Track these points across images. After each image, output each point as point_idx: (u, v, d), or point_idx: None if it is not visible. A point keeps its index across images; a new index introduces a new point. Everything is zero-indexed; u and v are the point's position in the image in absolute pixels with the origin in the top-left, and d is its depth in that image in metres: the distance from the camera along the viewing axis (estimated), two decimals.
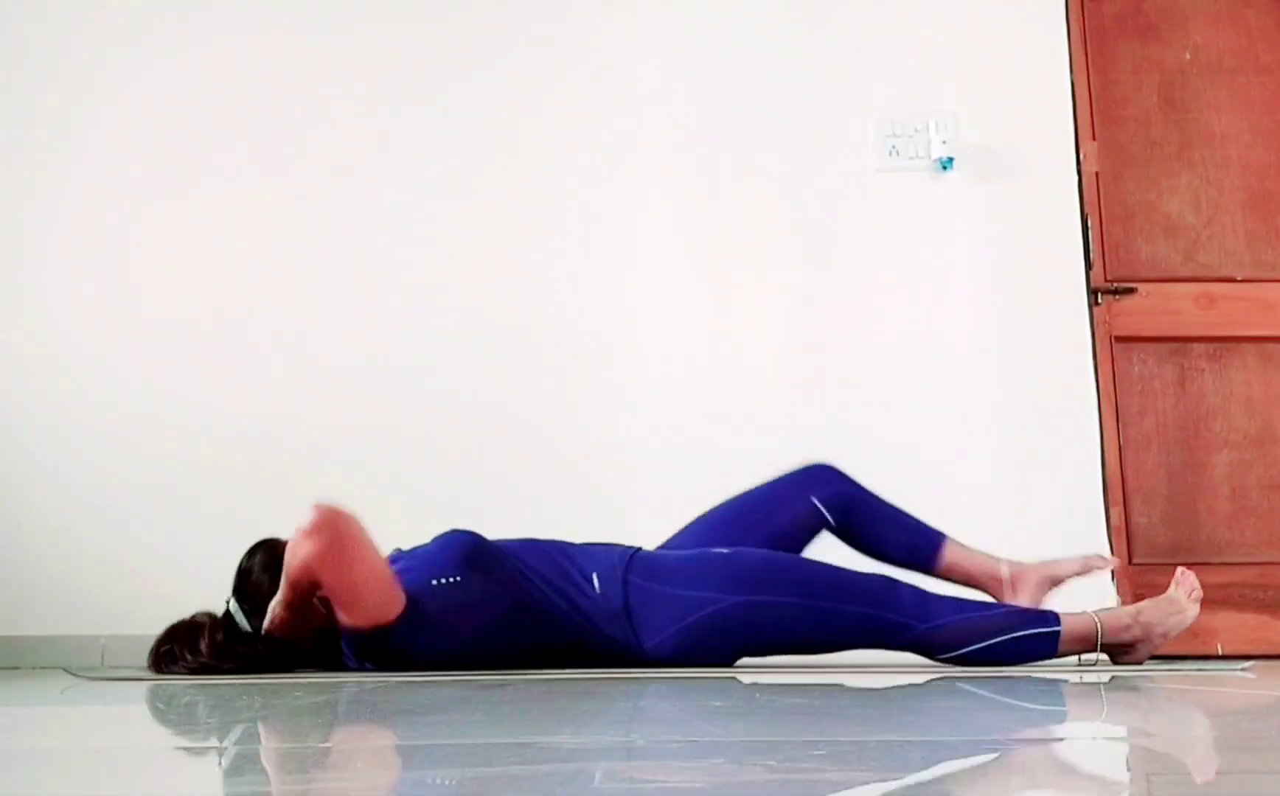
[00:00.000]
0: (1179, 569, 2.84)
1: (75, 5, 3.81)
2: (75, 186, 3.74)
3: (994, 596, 2.88)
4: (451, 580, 2.61)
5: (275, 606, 2.62)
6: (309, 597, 2.59)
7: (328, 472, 3.56)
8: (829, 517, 2.90)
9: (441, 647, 2.59)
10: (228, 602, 2.71)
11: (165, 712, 2.14)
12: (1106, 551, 3.64)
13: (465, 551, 2.66)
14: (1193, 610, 2.76)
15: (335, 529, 2.49)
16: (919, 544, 2.91)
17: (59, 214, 3.73)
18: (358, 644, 2.62)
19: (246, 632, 2.68)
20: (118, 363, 3.65)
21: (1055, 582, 2.89)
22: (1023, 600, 2.86)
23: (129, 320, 3.68)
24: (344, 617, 2.56)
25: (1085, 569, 2.91)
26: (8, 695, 2.48)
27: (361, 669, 2.67)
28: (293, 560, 2.51)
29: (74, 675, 2.85)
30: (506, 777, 1.24)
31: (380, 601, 2.54)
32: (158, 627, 2.81)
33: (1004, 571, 2.89)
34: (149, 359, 3.66)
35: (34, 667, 3.34)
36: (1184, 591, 2.77)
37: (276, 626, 2.64)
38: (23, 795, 1.22)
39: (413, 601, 2.57)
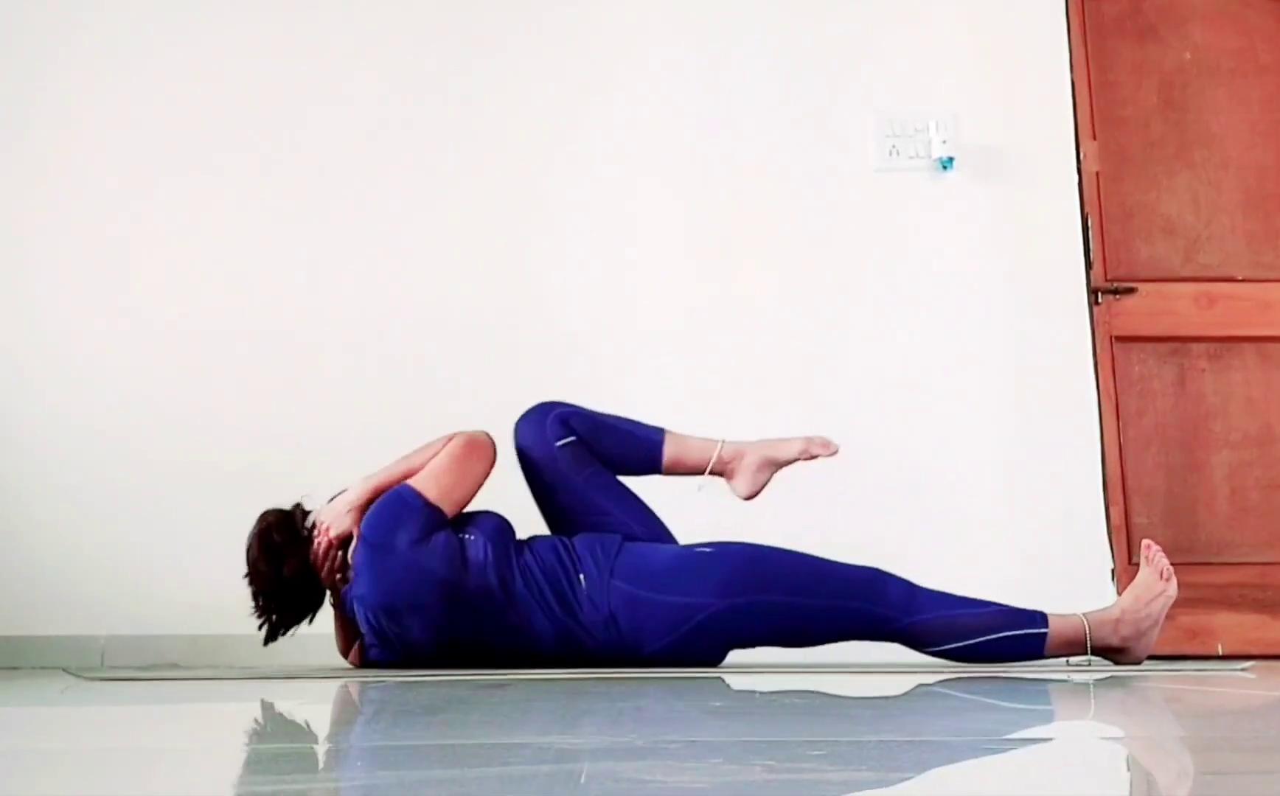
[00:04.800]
0: (1144, 543, 2.82)
1: (74, 3, 3.81)
2: (73, 187, 3.74)
3: (720, 476, 2.92)
4: (471, 537, 2.74)
5: (344, 499, 2.81)
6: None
7: (327, 472, 3.55)
8: (573, 438, 2.91)
9: (443, 591, 2.68)
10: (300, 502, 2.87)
11: (165, 712, 2.15)
12: (1106, 555, 3.64)
13: (494, 524, 2.79)
14: (1170, 588, 2.75)
15: (493, 448, 2.87)
16: (642, 452, 2.94)
17: (58, 214, 3.72)
18: (388, 527, 2.72)
19: (299, 533, 2.82)
20: (117, 363, 3.65)
21: (776, 464, 2.91)
22: (744, 481, 2.89)
23: (128, 321, 3.68)
24: (425, 476, 2.77)
25: (805, 452, 2.91)
26: (8, 695, 2.48)
27: (364, 607, 2.73)
28: (458, 433, 2.84)
29: (74, 675, 2.85)
30: (506, 777, 1.24)
31: (454, 494, 2.78)
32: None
33: (725, 453, 2.91)
34: (148, 359, 3.66)
35: (34, 667, 3.34)
36: (1154, 571, 2.76)
37: (330, 514, 2.80)
38: (23, 795, 1.22)
39: (448, 534, 2.74)
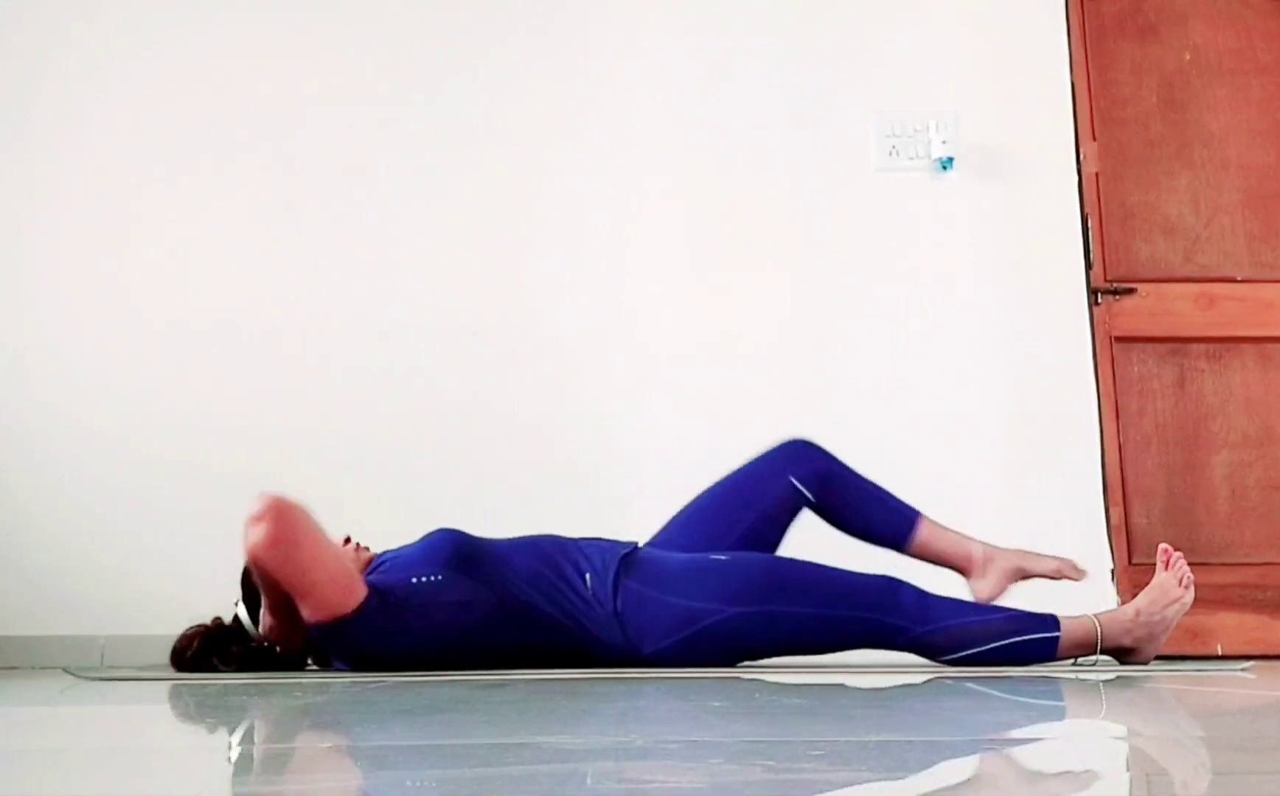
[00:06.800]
0: (1161, 547, 2.82)
1: (74, 3, 3.81)
2: (72, 186, 3.73)
3: (964, 574, 2.89)
4: (432, 578, 2.62)
5: (264, 613, 2.66)
6: (285, 599, 2.59)
7: (326, 473, 3.56)
8: (808, 495, 2.89)
9: (419, 646, 2.60)
10: (235, 607, 2.73)
11: (165, 712, 2.15)
12: (1106, 555, 3.64)
13: (447, 550, 2.67)
14: (1188, 596, 2.75)
15: (279, 515, 2.49)
16: (895, 523, 2.90)
17: (58, 214, 3.72)
18: (331, 646, 2.62)
19: (251, 636, 2.70)
20: (117, 363, 3.65)
21: (1025, 575, 2.88)
22: (989, 583, 2.86)
23: (128, 320, 3.68)
24: (303, 611, 2.56)
25: (1057, 573, 2.88)
26: (8, 695, 2.48)
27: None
28: (245, 551, 2.53)
29: (74, 675, 2.85)
30: (506, 777, 1.24)
31: (334, 589, 2.53)
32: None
33: (977, 553, 2.88)
34: (148, 359, 3.66)
35: (34, 667, 3.33)
36: (1174, 576, 2.76)
37: (269, 632, 2.67)
38: (23, 795, 1.22)
39: (381, 596, 2.58)
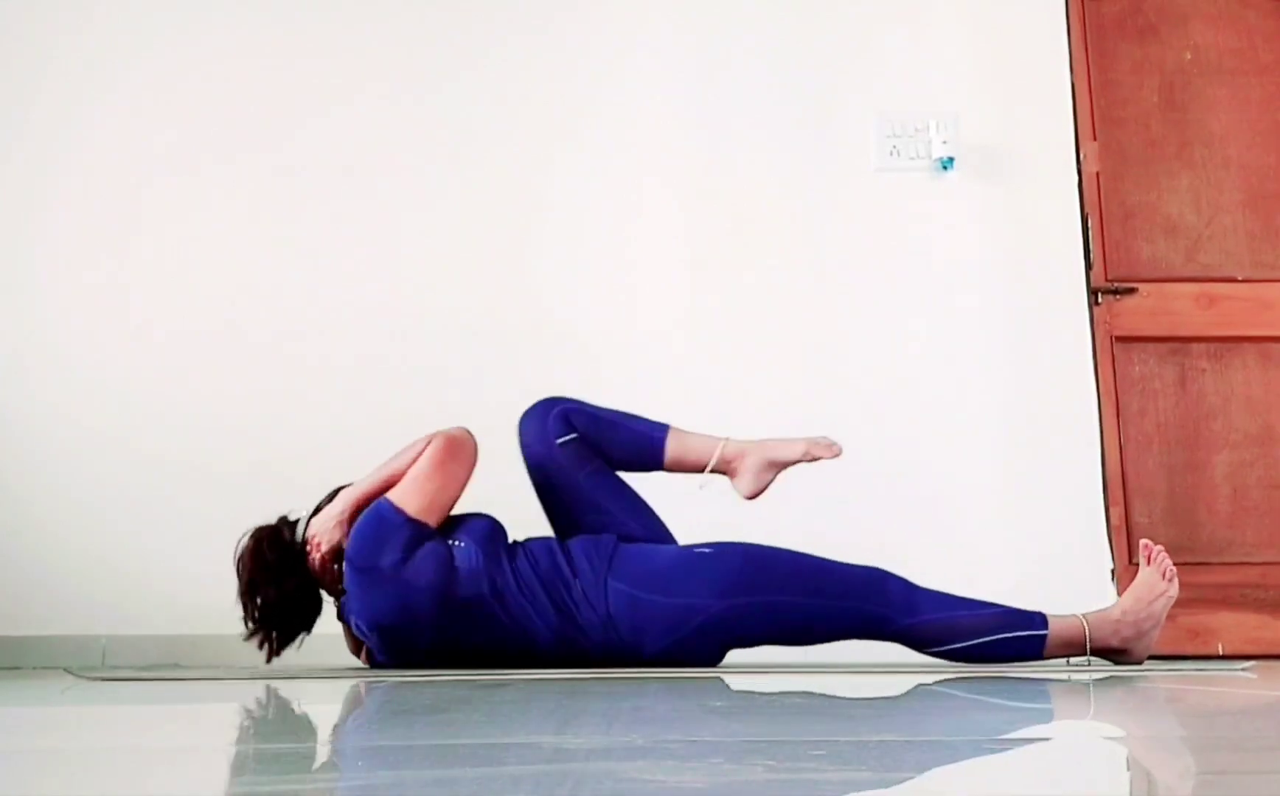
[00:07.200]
0: (1142, 543, 2.82)
1: (74, 3, 3.81)
2: (72, 186, 3.74)
3: (722, 474, 2.90)
4: (461, 545, 2.71)
5: (331, 513, 2.78)
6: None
7: (328, 472, 3.56)
8: (574, 436, 2.88)
9: (435, 603, 2.66)
10: (304, 515, 2.83)
11: (165, 712, 2.15)
12: (1106, 555, 3.64)
13: (484, 527, 2.77)
14: (1173, 588, 2.75)
15: (474, 456, 2.83)
16: (645, 449, 2.91)
17: (58, 214, 3.72)
18: (368, 536, 2.68)
19: (292, 547, 2.79)
20: (118, 363, 3.65)
21: (778, 466, 2.88)
22: (747, 481, 2.87)
23: (128, 320, 3.68)
24: (400, 485, 2.73)
25: (806, 455, 2.87)
26: (8, 695, 2.48)
27: (358, 621, 2.72)
28: (436, 434, 2.79)
29: (74, 675, 2.85)
30: (506, 777, 1.24)
31: (433, 500, 2.73)
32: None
33: (720, 453, 2.88)
34: (148, 359, 3.66)
35: (34, 667, 3.34)
36: (1157, 570, 2.76)
37: (320, 532, 2.76)
38: (23, 795, 1.22)
39: (434, 540, 2.71)
